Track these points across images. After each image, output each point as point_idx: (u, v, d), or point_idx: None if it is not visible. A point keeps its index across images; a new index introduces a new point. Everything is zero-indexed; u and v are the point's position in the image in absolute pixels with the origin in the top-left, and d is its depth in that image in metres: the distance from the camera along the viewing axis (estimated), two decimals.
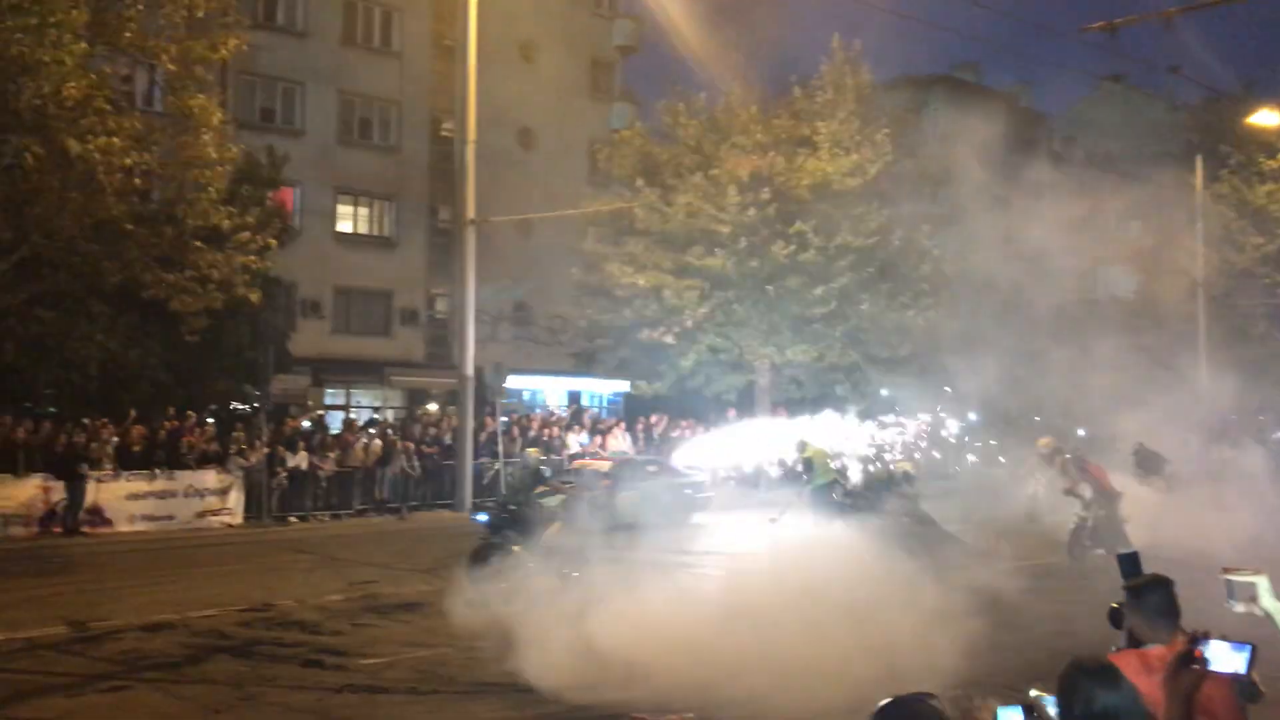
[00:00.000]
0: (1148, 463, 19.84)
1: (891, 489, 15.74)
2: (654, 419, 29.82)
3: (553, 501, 14.02)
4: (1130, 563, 4.44)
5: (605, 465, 21.32)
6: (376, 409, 32.78)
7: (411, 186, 34.81)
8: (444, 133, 35.21)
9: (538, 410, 32.87)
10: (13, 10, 16.70)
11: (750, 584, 10.86)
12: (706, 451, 23.94)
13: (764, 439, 22.70)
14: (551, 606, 10.33)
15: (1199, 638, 3.52)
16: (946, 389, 28.55)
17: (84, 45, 17.77)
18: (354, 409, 31.89)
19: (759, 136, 28.94)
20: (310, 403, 29.15)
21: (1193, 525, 15.72)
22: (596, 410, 35.02)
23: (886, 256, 29.53)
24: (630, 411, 32.89)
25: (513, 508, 14.12)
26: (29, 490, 19.89)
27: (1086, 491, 16.39)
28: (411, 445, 25.03)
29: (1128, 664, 3.65)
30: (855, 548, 11.93)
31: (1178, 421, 21.91)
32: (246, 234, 21.36)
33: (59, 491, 20.00)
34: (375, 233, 34.65)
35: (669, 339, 29.71)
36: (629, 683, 8.65)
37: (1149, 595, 4.22)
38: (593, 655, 9.30)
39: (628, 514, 17.89)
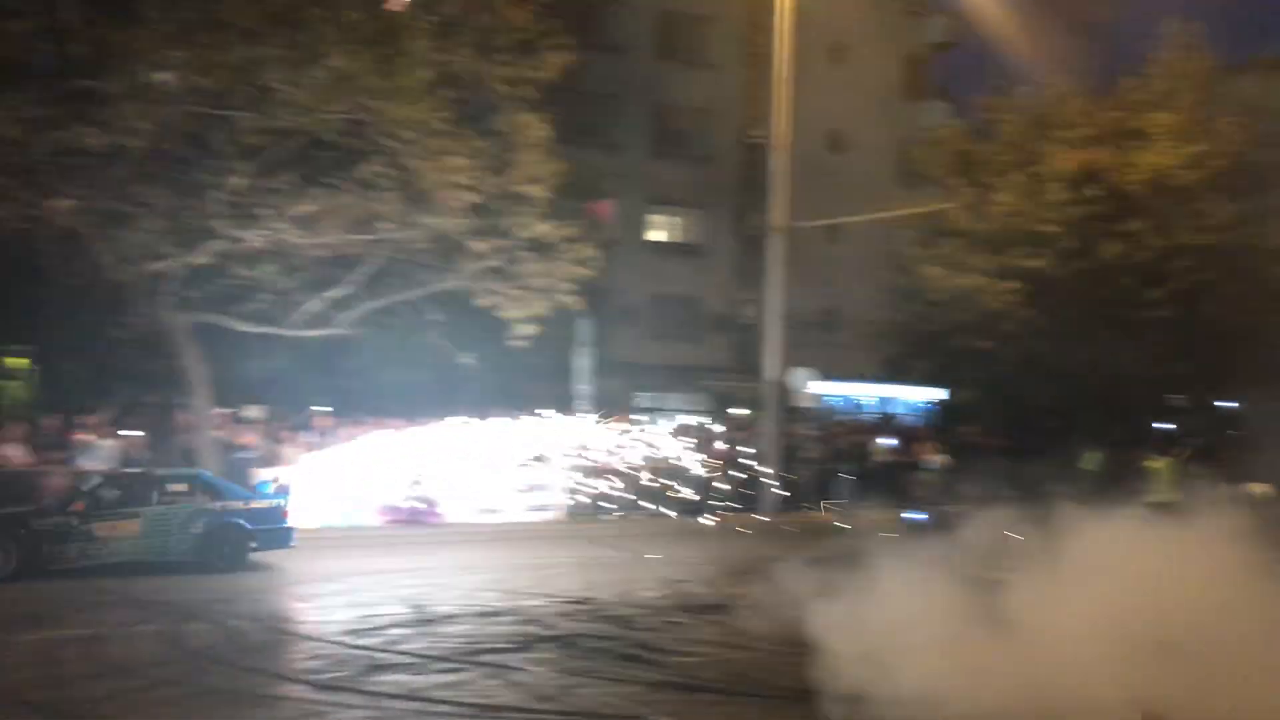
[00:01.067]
0: None
1: None
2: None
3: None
4: None
5: (67, 477, 16.59)
6: (686, 414, 33.45)
7: (720, 194, 35.32)
8: (752, 139, 35.52)
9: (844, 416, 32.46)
10: (368, 44, 18.38)
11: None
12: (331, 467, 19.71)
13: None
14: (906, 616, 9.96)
15: None
16: None
17: (426, 73, 19.25)
18: (665, 413, 32.70)
19: (1085, 130, 27.41)
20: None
21: None
22: (908, 418, 34.16)
23: (1233, 256, 27.16)
24: (945, 421, 31.84)
25: (946, 508, 14.32)
26: None
27: None
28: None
29: None
30: None
31: None
32: (568, 245, 22.38)
33: None
34: (686, 241, 35.42)
35: (986, 344, 28.57)
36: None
37: None
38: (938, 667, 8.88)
39: (120, 548, 14.53)
